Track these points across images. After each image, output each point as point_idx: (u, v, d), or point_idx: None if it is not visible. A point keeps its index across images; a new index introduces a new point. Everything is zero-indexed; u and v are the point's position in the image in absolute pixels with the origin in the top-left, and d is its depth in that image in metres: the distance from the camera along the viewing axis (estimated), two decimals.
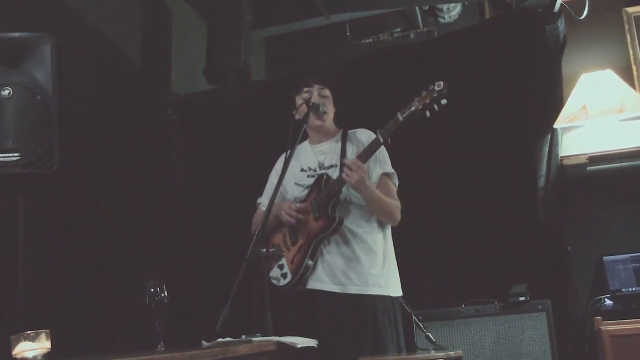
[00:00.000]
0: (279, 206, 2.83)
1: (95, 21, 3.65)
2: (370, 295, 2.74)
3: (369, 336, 2.69)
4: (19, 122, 2.68)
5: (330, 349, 2.59)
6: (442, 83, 2.56)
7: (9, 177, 2.66)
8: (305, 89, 2.94)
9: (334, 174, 2.83)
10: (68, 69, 2.99)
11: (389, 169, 2.88)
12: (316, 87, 2.93)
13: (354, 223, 2.81)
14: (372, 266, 2.78)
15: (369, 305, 2.72)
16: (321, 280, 2.78)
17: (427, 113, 2.59)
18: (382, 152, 2.87)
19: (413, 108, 2.60)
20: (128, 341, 3.23)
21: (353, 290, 2.74)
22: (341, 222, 2.77)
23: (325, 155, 2.95)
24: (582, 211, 3.78)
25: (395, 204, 2.84)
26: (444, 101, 2.56)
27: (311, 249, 2.77)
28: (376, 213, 2.83)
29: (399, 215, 2.85)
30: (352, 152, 2.86)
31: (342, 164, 2.74)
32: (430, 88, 2.58)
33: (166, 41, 4.36)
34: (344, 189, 2.78)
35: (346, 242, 2.79)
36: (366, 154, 2.72)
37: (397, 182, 2.89)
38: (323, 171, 2.90)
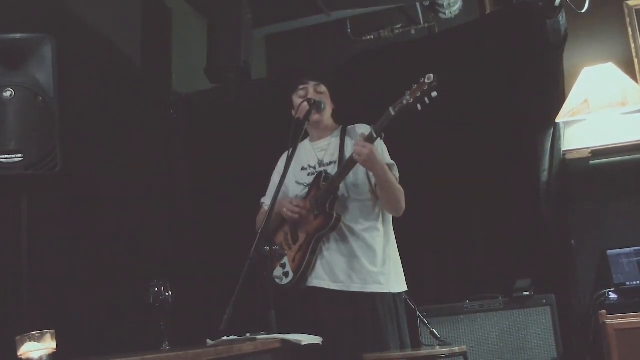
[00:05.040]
0: (280, 203, 2.81)
1: (95, 21, 3.65)
2: (370, 292, 2.73)
3: (369, 334, 2.68)
4: (21, 123, 2.68)
5: (332, 346, 2.59)
6: (432, 75, 2.52)
7: (11, 178, 2.66)
8: (301, 87, 2.92)
9: (334, 171, 2.82)
10: (69, 69, 2.98)
11: (389, 160, 2.85)
12: (312, 83, 2.91)
13: (353, 220, 2.79)
14: (371, 264, 2.76)
15: (368, 303, 2.71)
16: (321, 278, 2.77)
17: (419, 106, 2.56)
18: (381, 145, 2.84)
19: (404, 102, 2.56)
20: (133, 340, 3.23)
21: (352, 288, 2.73)
22: (339, 219, 2.75)
23: (324, 152, 2.93)
24: (585, 205, 3.78)
25: (401, 189, 2.79)
26: (434, 94, 2.51)
27: (311, 247, 2.76)
28: (385, 196, 2.76)
29: (404, 203, 2.80)
30: (351, 147, 2.85)
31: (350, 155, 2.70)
32: (421, 81, 2.54)
33: (166, 41, 4.36)
34: (341, 186, 2.77)
35: (345, 239, 2.77)
36: None
37: (397, 174, 2.85)
38: (322, 168, 2.88)
